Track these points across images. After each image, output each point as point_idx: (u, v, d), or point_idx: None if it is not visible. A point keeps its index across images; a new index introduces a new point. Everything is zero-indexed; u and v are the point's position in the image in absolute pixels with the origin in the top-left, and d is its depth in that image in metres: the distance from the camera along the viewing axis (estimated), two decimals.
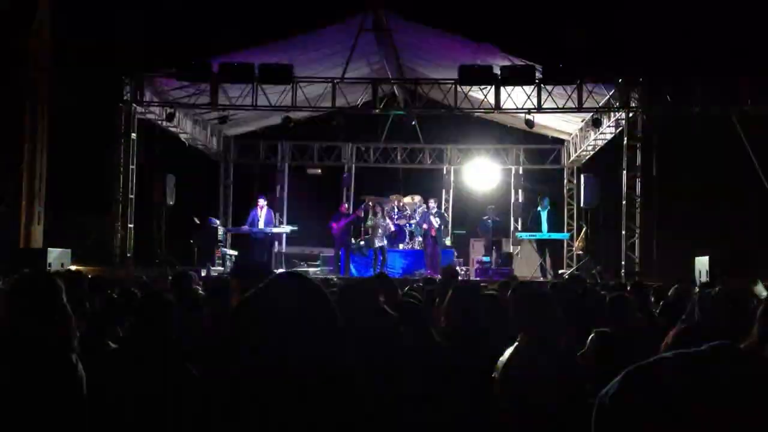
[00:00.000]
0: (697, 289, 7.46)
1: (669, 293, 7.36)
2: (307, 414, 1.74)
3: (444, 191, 23.50)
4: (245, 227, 19.93)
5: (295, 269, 18.86)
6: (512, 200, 23.15)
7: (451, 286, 5.81)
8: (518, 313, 4.39)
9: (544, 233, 19.16)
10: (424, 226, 19.80)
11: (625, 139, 17.91)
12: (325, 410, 1.75)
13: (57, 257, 15.59)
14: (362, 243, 20.66)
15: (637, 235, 17.61)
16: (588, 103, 18.01)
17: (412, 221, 21.65)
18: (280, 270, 17.69)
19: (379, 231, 19.33)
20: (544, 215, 19.29)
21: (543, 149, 24.51)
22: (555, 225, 19.54)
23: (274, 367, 1.74)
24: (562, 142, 24.24)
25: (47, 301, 3.42)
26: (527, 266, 19.53)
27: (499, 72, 17.32)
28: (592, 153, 21.72)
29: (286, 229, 20.68)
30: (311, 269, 19.85)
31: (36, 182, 18.01)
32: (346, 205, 20.81)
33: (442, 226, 20.13)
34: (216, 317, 4.97)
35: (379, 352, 3.78)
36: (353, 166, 22.06)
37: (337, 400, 1.78)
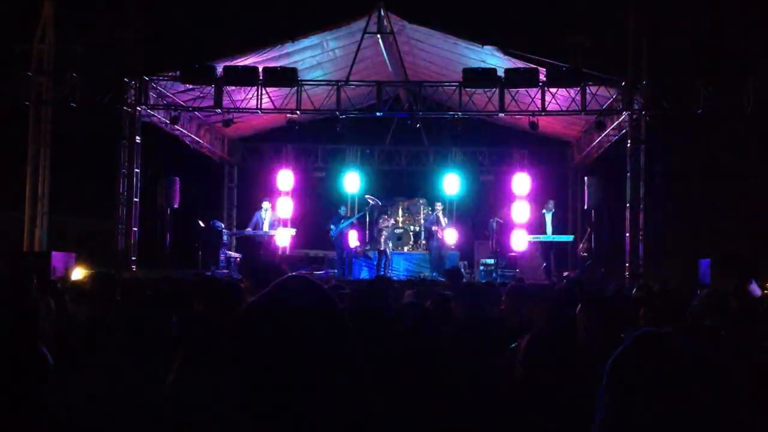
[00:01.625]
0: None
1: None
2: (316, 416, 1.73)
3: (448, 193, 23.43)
4: (249, 230, 19.98)
5: (300, 272, 18.88)
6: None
7: (456, 288, 5.85)
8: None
9: (549, 235, 19.15)
10: (433, 228, 19.78)
11: (629, 140, 17.90)
12: (334, 411, 1.75)
13: (61, 260, 15.61)
14: (367, 246, 20.66)
15: (641, 236, 17.58)
16: (592, 106, 18.01)
17: (417, 224, 21.64)
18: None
19: (384, 233, 19.34)
20: (548, 217, 19.30)
21: (548, 151, 24.55)
22: (559, 227, 19.52)
23: (284, 370, 1.74)
24: (566, 144, 24.27)
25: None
26: (532, 268, 19.50)
27: (503, 75, 17.33)
28: (596, 155, 21.72)
29: (290, 231, 20.71)
30: (315, 272, 19.83)
31: (40, 185, 18.05)
32: (344, 208, 20.82)
33: (446, 229, 20.12)
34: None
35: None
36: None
37: (347, 401, 1.77)
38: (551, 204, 19.62)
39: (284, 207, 22.01)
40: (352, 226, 20.05)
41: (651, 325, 6.17)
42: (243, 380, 1.76)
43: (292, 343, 1.75)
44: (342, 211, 20.29)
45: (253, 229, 19.78)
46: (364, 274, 19.53)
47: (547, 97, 17.85)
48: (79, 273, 15.73)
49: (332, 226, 19.41)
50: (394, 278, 15.92)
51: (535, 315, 4.96)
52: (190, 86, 18.46)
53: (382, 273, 18.34)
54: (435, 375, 4.05)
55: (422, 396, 3.92)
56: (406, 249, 21.39)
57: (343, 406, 1.75)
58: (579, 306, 4.30)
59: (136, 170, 18.47)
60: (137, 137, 18.45)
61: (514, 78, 17.38)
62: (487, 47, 17.57)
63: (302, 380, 1.72)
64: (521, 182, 22.03)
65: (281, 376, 1.73)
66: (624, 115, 18.04)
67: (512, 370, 3.97)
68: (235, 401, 1.77)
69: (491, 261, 19.84)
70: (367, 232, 21.52)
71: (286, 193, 22.68)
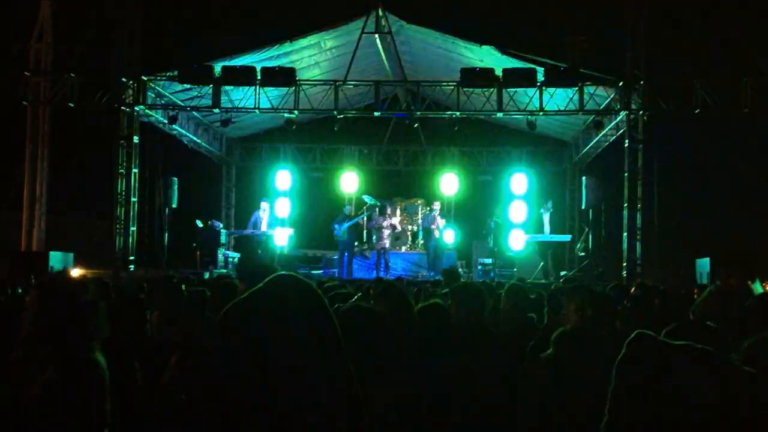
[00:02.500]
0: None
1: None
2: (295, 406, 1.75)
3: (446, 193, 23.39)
4: (248, 230, 20.00)
5: (297, 272, 18.90)
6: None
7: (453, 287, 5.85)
8: None
9: (546, 235, 19.17)
10: (431, 227, 19.78)
11: (627, 140, 17.92)
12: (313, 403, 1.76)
13: (59, 260, 15.62)
14: (366, 246, 20.67)
15: (638, 236, 17.60)
16: (589, 105, 18.03)
17: (415, 223, 21.65)
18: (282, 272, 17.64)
19: (383, 233, 19.36)
20: (546, 217, 19.31)
21: (545, 151, 24.58)
22: (557, 227, 19.54)
23: (264, 364, 1.75)
24: (564, 143, 24.29)
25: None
26: (529, 268, 19.53)
27: (501, 74, 17.34)
28: (594, 154, 21.75)
29: (288, 231, 20.72)
30: (314, 272, 19.86)
31: (37, 186, 18.06)
32: (350, 208, 20.84)
33: (444, 229, 20.13)
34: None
35: None
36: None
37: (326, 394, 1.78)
38: (549, 204, 19.63)
39: (282, 207, 22.01)
40: (353, 226, 20.11)
41: (646, 324, 6.17)
42: (229, 371, 1.78)
43: (276, 335, 1.76)
44: (347, 210, 20.27)
45: (252, 229, 19.80)
46: (364, 273, 19.53)
47: (545, 97, 17.86)
48: (76, 273, 15.75)
49: (336, 226, 19.42)
50: (391, 278, 15.96)
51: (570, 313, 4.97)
52: (188, 86, 18.47)
53: (382, 273, 18.38)
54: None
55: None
56: (404, 249, 21.40)
57: (324, 394, 1.77)
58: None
59: (134, 170, 18.48)
60: (135, 137, 18.45)
61: (512, 78, 17.38)
62: (485, 47, 17.59)
63: (284, 369, 1.74)
64: (519, 182, 22.06)
65: (264, 366, 1.74)
66: (622, 115, 18.06)
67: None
68: (222, 392, 1.79)
69: (489, 261, 19.86)
70: (365, 232, 21.53)
71: (284, 193, 22.68)
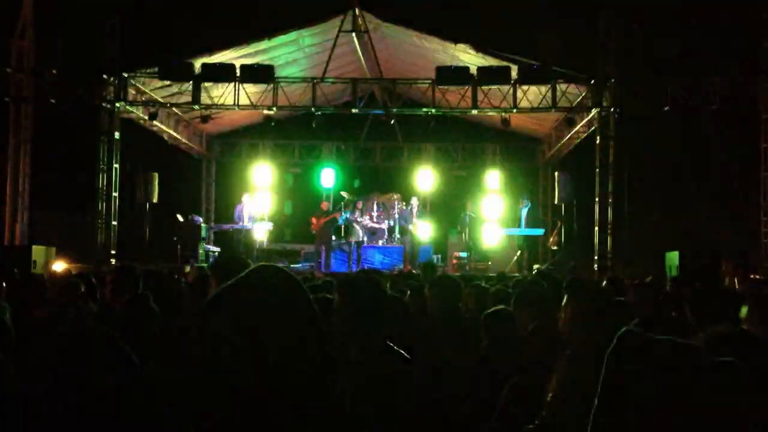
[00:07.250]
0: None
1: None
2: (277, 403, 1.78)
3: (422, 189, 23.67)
4: (228, 225, 20.27)
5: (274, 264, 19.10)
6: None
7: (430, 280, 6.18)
8: None
9: (520, 229, 19.51)
10: (406, 222, 20.12)
11: (598, 137, 18.26)
12: (296, 401, 1.79)
13: (41, 255, 15.78)
14: (342, 240, 20.95)
15: (609, 230, 17.94)
16: (562, 103, 18.36)
17: (392, 218, 21.95)
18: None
19: (359, 228, 19.65)
20: (523, 212, 19.63)
21: (519, 147, 24.94)
22: (532, 222, 19.87)
23: (247, 356, 1.77)
24: (537, 140, 24.65)
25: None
26: (504, 261, 19.87)
27: (475, 72, 17.65)
28: (566, 151, 22.10)
29: (267, 225, 20.94)
30: (293, 265, 20.10)
31: (20, 181, 18.19)
32: (327, 203, 21.11)
33: (419, 223, 20.47)
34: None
35: None
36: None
37: (309, 391, 1.81)
38: (526, 200, 19.94)
39: (261, 202, 22.18)
40: (330, 221, 20.37)
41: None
42: (212, 359, 1.80)
43: (258, 324, 1.80)
44: (324, 206, 20.55)
45: (238, 222, 20.03)
46: (342, 267, 19.79)
47: (519, 95, 18.19)
48: (59, 266, 15.96)
49: (313, 221, 19.69)
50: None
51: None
52: (168, 83, 18.67)
53: (357, 266, 18.68)
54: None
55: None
56: (380, 243, 21.67)
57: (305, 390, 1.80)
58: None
59: (116, 165, 18.64)
60: (116, 133, 18.61)
61: (487, 75, 17.66)
62: (461, 45, 17.89)
63: (263, 361, 1.78)
64: (493, 177, 22.39)
65: (245, 354, 1.77)
66: (593, 112, 18.41)
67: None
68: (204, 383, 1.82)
69: (464, 254, 20.16)
70: (343, 227, 21.77)
71: (263, 189, 22.88)
